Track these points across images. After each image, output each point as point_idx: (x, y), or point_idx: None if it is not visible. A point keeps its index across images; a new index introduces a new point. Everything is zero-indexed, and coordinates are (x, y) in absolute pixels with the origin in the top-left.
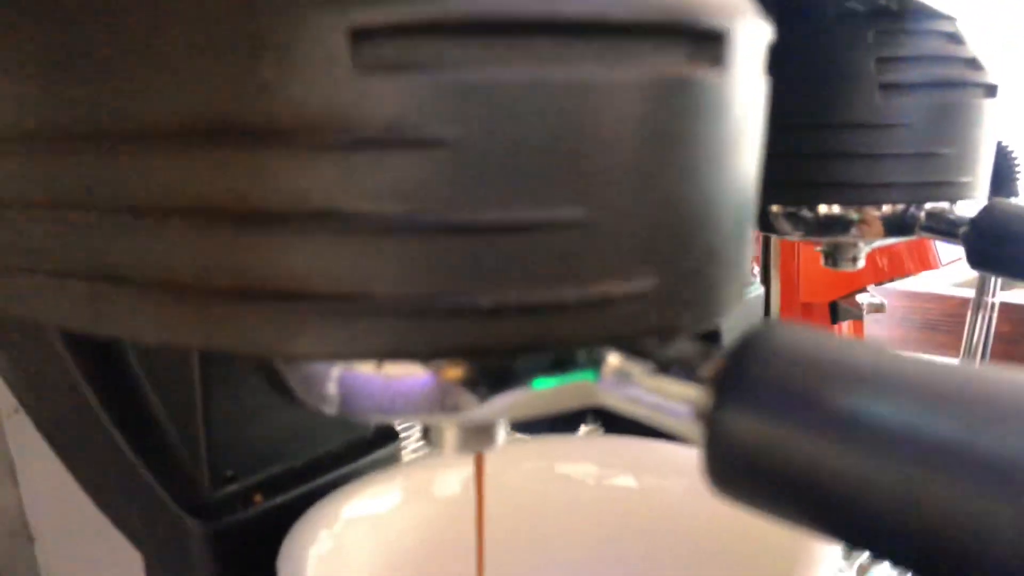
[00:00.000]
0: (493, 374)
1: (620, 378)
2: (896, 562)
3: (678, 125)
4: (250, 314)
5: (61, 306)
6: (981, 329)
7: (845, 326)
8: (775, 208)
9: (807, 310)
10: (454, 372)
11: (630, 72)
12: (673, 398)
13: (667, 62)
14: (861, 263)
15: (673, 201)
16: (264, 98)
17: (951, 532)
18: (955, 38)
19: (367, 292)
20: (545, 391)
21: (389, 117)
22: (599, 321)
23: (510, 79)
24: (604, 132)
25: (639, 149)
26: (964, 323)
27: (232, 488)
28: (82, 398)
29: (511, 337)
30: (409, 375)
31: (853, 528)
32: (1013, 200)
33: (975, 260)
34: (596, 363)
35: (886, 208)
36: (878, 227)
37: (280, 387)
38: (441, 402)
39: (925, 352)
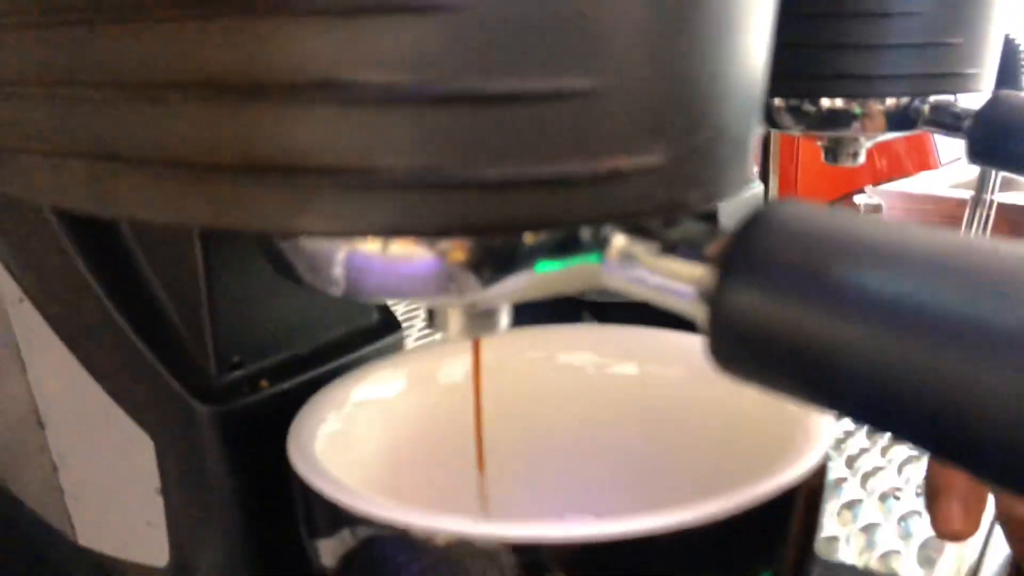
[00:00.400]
0: (498, 256)
1: (625, 260)
2: (898, 435)
3: None
4: (256, 190)
5: (61, 186)
6: (979, 226)
7: None
8: (777, 101)
9: None
10: (459, 254)
11: None
12: (678, 278)
13: None
14: (862, 159)
15: (683, 74)
16: None
17: (954, 405)
18: None
19: (372, 165)
20: (550, 274)
21: None
22: (607, 197)
23: None
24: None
25: (650, 19)
26: (960, 225)
27: (238, 374)
28: (87, 287)
29: (519, 213)
30: (414, 256)
31: (858, 403)
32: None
33: (977, 154)
34: (600, 245)
35: (889, 102)
36: (880, 121)
37: (285, 269)
38: (446, 284)
39: None
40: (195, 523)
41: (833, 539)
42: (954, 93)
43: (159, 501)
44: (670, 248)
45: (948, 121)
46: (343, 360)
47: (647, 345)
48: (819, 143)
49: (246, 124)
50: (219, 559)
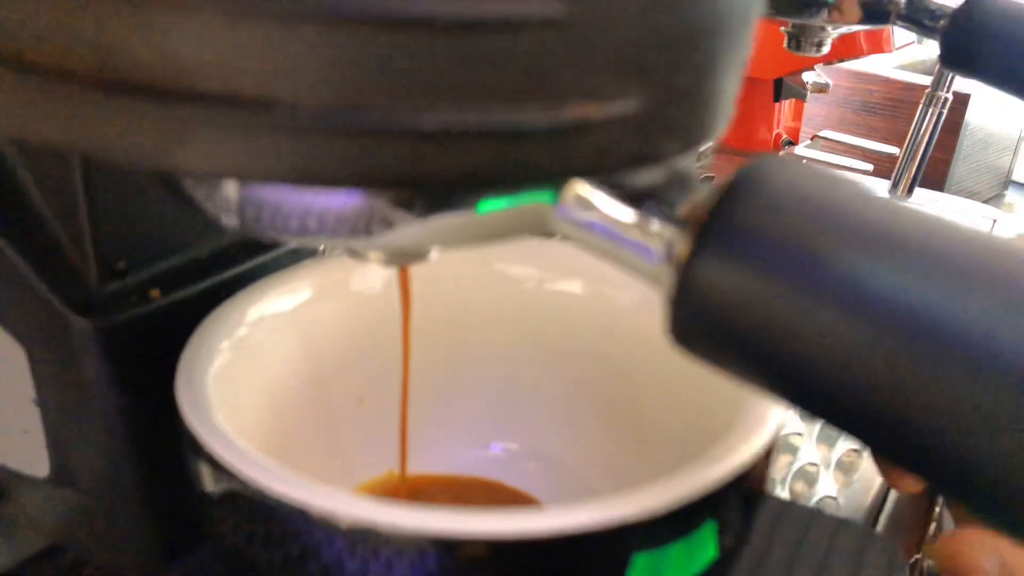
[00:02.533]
0: (433, 194)
1: (582, 205)
2: (864, 441)
3: None
4: (121, 112)
5: None
6: (930, 122)
7: (786, 104)
8: None
9: (751, 85)
10: (384, 191)
11: None
12: (642, 236)
13: None
14: (826, 49)
15: (666, 3)
16: None
17: (931, 421)
18: None
19: (273, 97)
20: (492, 215)
21: None
22: (568, 150)
23: None
24: None
25: None
26: (903, 108)
27: (124, 282)
28: None
29: (459, 166)
30: (330, 192)
31: (826, 404)
32: None
33: (950, 59)
34: (555, 184)
35: None
36: (853, 12)
37: (174, 189)
38: (368, 225)
39: (857, 135)
40: (76, 436)
41: None
42: None
43: (35, 411)
44: (636, 198)
45: (923, 19)
46: (248, 264)
47: (596, 265)
48: (783, 28)
49: (105, 24)
50: (103, 473)
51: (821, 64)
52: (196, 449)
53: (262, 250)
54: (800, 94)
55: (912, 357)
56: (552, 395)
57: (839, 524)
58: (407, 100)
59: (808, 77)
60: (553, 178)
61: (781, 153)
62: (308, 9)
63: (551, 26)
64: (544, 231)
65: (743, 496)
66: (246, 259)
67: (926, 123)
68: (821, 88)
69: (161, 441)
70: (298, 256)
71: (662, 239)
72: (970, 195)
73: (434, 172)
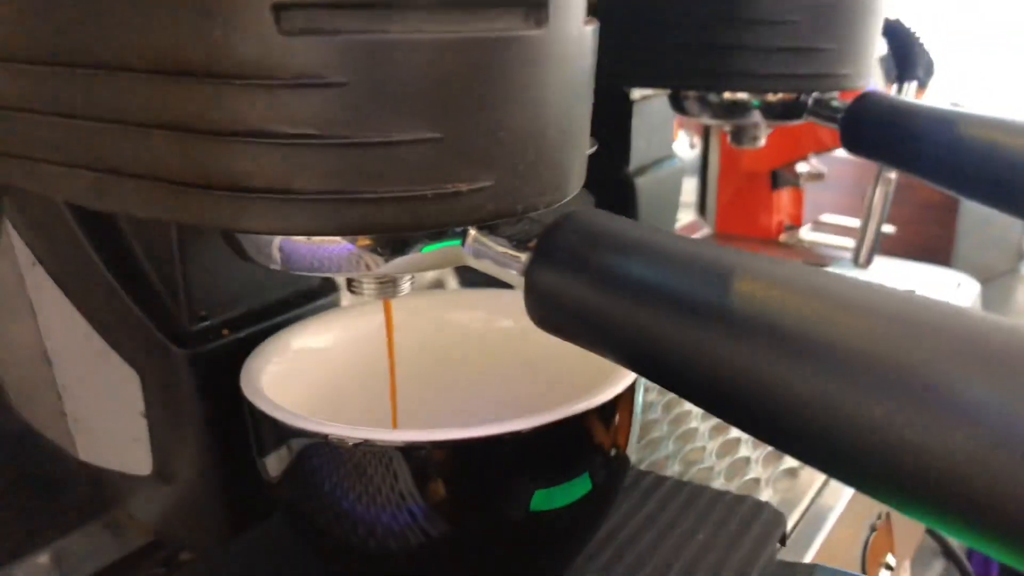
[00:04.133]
0: (393, 242)
1: (477, 245)
2: (658, 382)
3: (510, 70)
4: (211, 200)
5: (72, 187)
6: (881, 199)
7: (784, 193)
8: (686, 93)
9: (749, 177)
10: (365, 241)
11: (474, 32)
12: (509, 259)
13: (502, 25)
14: (762, 142)
15: (506, 125)
16: (216, 51)
17: (669, 355)
18: None
19: (291, 188)
20: (428, 253)
21: (299, 67)
22: (452, 209)
23: (386, 39)
24: (454, 77)
25: (480, 87)
26: (900, 191)
27: (205, 324)
28: (87, 257)
29: (389, 220)
30: (333, 242)
31: (619, 353)
32: (906, 87)
33: (848, 144)
34: (463, 235)
35: (781, 95)
36: (775, 112)
37: (237, 249)
38: (357, 262)
39: (860, 217)
40: (172, 439)
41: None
42: (830, 90)
43: (143, 422)
44: (508, 238)
45: (826, 113)
46: (290, 314)
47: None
48: (724, 128)
49: (205, 156)
50: (192, 469)
51: (814, 153)
52: (253, 411)
53: (297, 306)
54: (794, 183)
55: (652, 316)
56: (502, 397)
57: (719, 495)
58: (359, 185)
59: (802, 167)
60: (445, 226)
61: (782, 236)
62: (304, 145)
63: (429, 143)
64: (459, 262)
65: (605, 443)
66: (286, 311)
67: (876, 200)
68: (815, 176)
69: (235, 439)
70: (320, 309)
71: (518, 260)
72: (980, 270)
73: (377, 224)
